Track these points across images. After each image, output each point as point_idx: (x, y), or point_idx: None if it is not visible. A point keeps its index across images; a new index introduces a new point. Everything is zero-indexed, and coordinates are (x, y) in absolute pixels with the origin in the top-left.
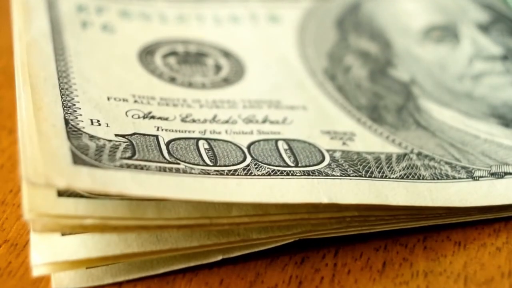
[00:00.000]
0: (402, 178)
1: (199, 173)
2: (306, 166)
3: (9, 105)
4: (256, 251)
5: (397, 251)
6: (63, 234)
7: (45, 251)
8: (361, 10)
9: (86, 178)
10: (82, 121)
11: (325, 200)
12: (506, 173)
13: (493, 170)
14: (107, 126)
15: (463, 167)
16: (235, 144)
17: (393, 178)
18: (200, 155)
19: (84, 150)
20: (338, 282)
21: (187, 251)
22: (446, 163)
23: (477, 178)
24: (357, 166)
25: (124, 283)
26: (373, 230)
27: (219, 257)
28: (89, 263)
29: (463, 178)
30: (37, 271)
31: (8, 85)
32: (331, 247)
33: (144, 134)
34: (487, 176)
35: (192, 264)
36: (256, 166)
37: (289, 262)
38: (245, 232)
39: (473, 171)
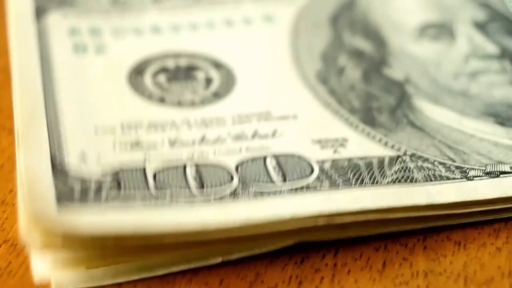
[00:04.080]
0: (394, 182)
1: (185, 203)
2: (294, 180)
3: (9, 105)
4: None
5: (397, 251)
6: None
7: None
8: (355, 7)
9: (70, 224)
10: (68, 160)
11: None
12: (501, 172)
13: (488, 169)
14: (94, 163)
15: (457, 167)
16: (222, 168)
17: (384, 183)
18: (187, 183)
19: (70, 192)
20: (338, 282)
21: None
22: (440, 163)
23: (472, 177)
24: (348, 174)
25: (124, 284)
26: (373, 233)
27: (219, 259)
28: (89, 263)
29: (457, 179)
30: (37, 272)
31: (8, 85)
32: (331, 247)
33: (130, 169)
34: (481, 176)
35: (192, 266)
36: (243, 188)
37: (289, 262)
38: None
39: (467, 170)
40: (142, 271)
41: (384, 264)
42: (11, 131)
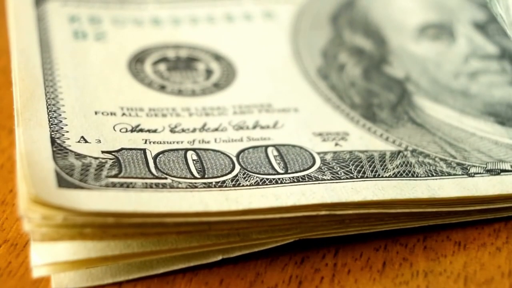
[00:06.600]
0: (396, 176)
1: (186, 187)
2: (296, 172)
3: (9, 105)
4: (256, 251)
5: (397, 251)
6: None
7: (45, 252)
8: (356, 6)
9: (70, 199)
10: (68, 139)
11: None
12: (502, 170)
13: (489, 167)
14: (94, 142)
15: (458, 164)
16: (223, 153)
17: (386, 176)
18: (188, 167)
19: (69, 171)
20: (338, 282)
21: (187, 251)
22: (441, 159)
23: (473, 174)
24: (349, 166)
25: (124, 283)
26: (373, 230)
27: (219, 257)
28: (89, 264)
29: (458, 175)
30: (37, 272)
31: (8, 85)
32: (331, 247)
33: (131, 149)
34: (482, 173)
35: (192, 264)
36: (244, 176)
37: (289, 262)
38: (245, 232)
39: (468, 167)
40: (142, 269)
41: (384, 264)
42: (11, 131)
